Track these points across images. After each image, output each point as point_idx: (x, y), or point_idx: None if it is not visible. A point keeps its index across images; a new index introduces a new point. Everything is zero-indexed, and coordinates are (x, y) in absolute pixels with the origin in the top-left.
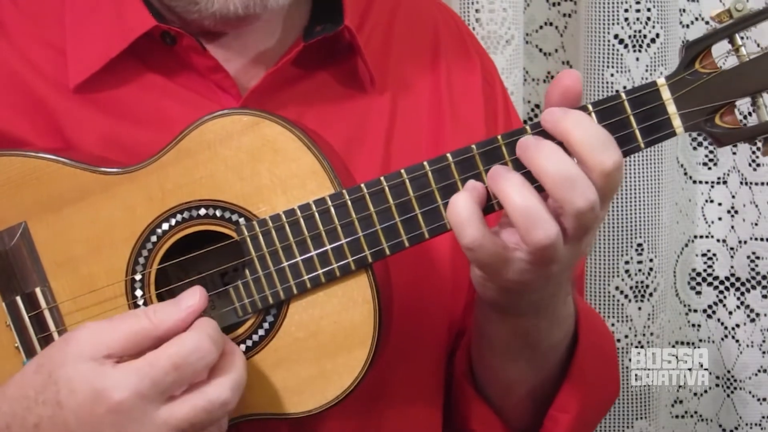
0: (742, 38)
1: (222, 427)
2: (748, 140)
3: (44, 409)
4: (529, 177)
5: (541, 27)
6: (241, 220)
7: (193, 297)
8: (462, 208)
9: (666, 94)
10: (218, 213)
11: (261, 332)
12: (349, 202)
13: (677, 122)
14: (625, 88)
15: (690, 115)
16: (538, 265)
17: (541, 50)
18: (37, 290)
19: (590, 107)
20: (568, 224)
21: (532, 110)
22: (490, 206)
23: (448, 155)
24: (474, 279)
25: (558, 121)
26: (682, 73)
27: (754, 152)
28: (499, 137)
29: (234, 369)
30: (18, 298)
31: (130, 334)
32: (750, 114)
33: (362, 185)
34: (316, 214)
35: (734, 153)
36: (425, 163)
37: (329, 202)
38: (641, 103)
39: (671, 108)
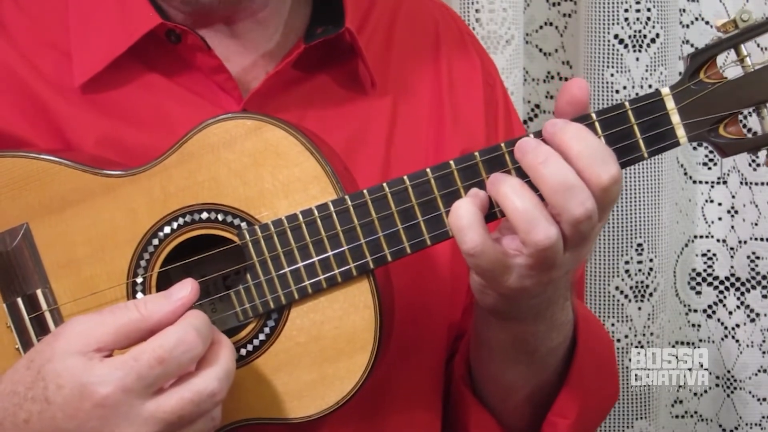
0: (754, 43)
1: (215, 419)
2: (752, 150)
3: (33, 405)
4: (530, 184)
5: (541, 27)
6: (243, 225)
7: (185, 289)
8: (464, 213)
9: (670, 103)
10: (220, 217)
11: (262, 336)
12: (352, 208)
13: (681, 132)
14: (625, 88)
15: (694, 125)
16: (538, 270)
17: (541, 50)
18: (38, 292)
19: (594, 116)
20: (565, 231)
21: (532, 110)
22: (492, 214)
23: (451, 162)
24: (473, 286)
25: (557, 133)
26: (687, 83)
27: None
28: (502, 145)
29: (222, 360)
30: (19, 300)
31: (119, 326)
32: (750, 114)
33: (365, 191)
34: (318, 220)
35: None
36: (428, 170)
37: (331, 208)
38: (645, 112)
39: (675, 118)
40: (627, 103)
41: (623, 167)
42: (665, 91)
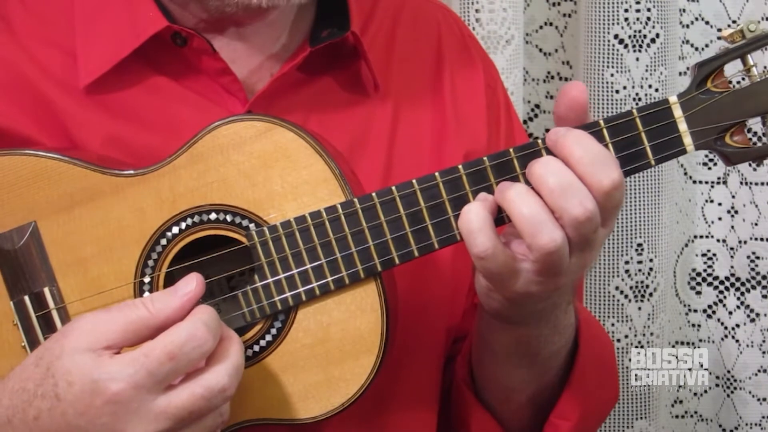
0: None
1: (223, 415)
2: (757, 159)
3: (43, 402)
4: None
5: (541, 27)
6: (252, 226)
7: (190, 284)
8: (474, 217)
9: (678, 112)
10: (229, 218)
11: (268, 337)
12: (360, 211)
13: (688, 140)
14: (625, 88)
15: (701, 134)
16: (544, 275)
17: (541, 50)
18: (46, 290)
19: (602, 123)
20: (568, 234)
21: (532, 110)
22: (500, 218)
23: (460, 167)
24: (479, 289)
25: (559, 140)
26: (694, 92)
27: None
28: (511, 150)
29: (231, 355)
30: (26, 298)
31: (127, 324)
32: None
33: (373, 194)
34: (327, 222)
35: None
36: (437, 174)
37: (340, 211)
38: (653, 120)
39: (682, 126)
40: (635, 111)
41: (630, 174)
42: (673, 99)
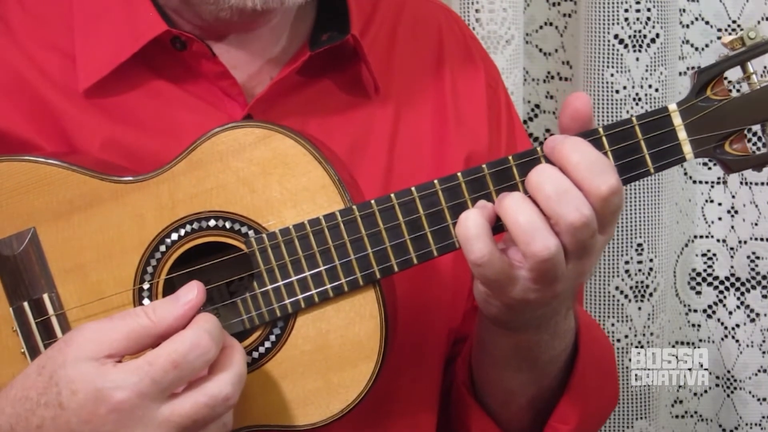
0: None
1: (227, 425)
2: (757, 167)
3: (46, 411)
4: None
5: (541, 27)
6: (251, 233)
7: (191, 292)
8: (471, 224)
9: (677, 119)
10: (228, 225)
11: (267, 344)
12: (359, 218)
13: (687, 148)
14: (625, 88)
15: (700, 142)
16: (540, 283)
17: (541, 50)
18: (45, 296)
19: (601, 131)
20: (565, 241)
21: (532, 110)
22: (499, 226)
23: (459, 174)
24: (477, 295)
25: (556, 147)
26: (694, 100)
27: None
28: (510, 158)
29: (234, 364)
30: (25, 304)
31: (130, 333)
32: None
33: (372, 201)
34: (326, 229)
35: None
36: (436, 181)
37: (339, 218)
38: (652, 128)
39: (682, 134)
40: (634, 119)
41: (629, 182)
42: (672, 107)
